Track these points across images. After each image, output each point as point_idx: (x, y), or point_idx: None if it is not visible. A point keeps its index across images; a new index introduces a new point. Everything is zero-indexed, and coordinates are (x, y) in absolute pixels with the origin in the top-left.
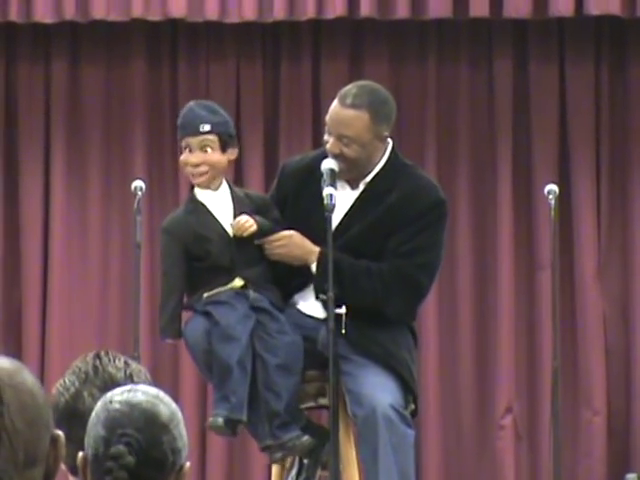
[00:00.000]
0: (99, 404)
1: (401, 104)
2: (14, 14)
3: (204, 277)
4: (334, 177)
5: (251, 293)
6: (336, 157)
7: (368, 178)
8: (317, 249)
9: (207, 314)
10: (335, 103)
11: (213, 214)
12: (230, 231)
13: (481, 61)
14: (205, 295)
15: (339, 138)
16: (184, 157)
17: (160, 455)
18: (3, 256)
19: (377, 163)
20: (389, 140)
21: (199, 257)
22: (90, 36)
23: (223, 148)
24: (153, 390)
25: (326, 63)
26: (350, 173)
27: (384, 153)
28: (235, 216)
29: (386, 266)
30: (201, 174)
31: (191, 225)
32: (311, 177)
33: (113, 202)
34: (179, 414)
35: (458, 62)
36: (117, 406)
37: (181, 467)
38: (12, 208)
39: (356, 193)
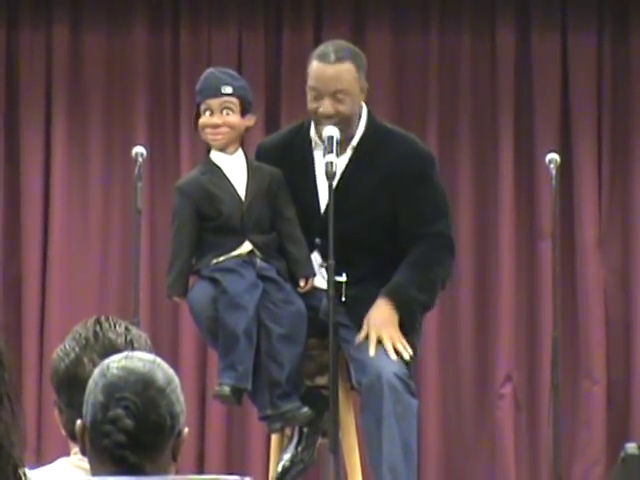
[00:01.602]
0: (96, 371)
1: (403, 74)
2: None
3: (214, 239)
4: (335, 144)
5: (258, 261)
6: (330, 118)
7: (354, 142)
8: (386, 302)
9: (213, 280)
10: (317, 65)
11: (227, 176)
12: (242, 195)
13: (483, 31)
14: (213, 262)
15: (333, 96)
16: (204, 120)
17: (158, 419)
18: (3, 223)
19: (358, 124)
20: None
21: (210, 217)
22: (92, 3)
23: (242, 113)
24: (150, 356)
25: (328, 32)
26: (344, 133)
27: (362, 114)
28: (249, 182)
29: (421, 249)
30: (219, 134)
31: (204, 184)
32: (290, 150)
33: (114, 168)
34: (176, 380)
35: (460, 33)
36: (114, 372)
37: (179, 432)
38: (12, 175)
39: (344, 159)
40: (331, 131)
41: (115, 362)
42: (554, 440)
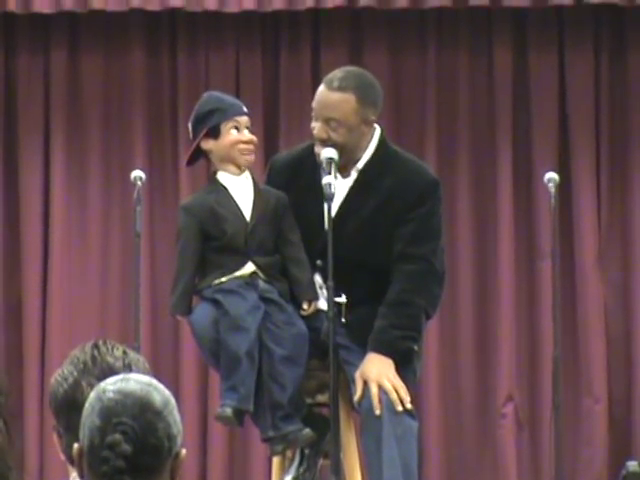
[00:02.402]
0: (92, 394)
1: (401, 93)
2: (13, 4)
3: (217, 258)
4: (333, 166)
5: (260, 283)
6: (323, 142)
7: (360, 165)
8: (374, 353)
9: (215, 302)
10: (321, 87)
11: (233, 197)
12: (247, 216)
13: (481, 50)
14: (215, 282)
15: (326, 122)
16: (238, 136)
17: (156, 442)
18: (3, 246)
19: (366, 149)
20: (377, 126)
21: (214, 236)
22: (89, 26)
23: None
24: (146, 378)
25: (325, 53)
26: (342, 158)
27: (372, 139)
28: (255, 203)
29: (402, 282)
30: (251, 152)
31: (209, 203)
32: (300, 170)
33: (113, 192)
34: (173, 400)
35: (458, 51)
36: (111, 395)
37: (177, 454)
38: (12, 198)
39: (349, 182)
40: (329, 153)
41: (111, 385)
42: (556, 458)
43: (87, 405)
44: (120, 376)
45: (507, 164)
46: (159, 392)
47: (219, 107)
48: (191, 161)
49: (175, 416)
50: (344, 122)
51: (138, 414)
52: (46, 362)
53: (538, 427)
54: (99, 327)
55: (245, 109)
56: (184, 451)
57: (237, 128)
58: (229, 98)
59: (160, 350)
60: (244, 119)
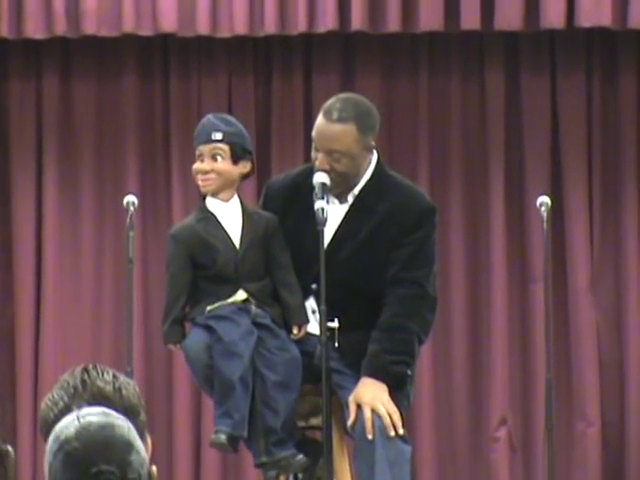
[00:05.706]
0: (52, 443)
1: (393, 117)
2: (5, 30)
3: (208, 287)
4: (326, 191)
5: (253, 308)
6: (326, 172)
7: (356, 190)
8: (367, 378)
9: (208, 328)
10: (320, 119)
11: (222, 224)
12: (237, 243)
13: (473, 74)
14: (207, 309)
15: (329, 154)
16: (195, 166)
17: (135, 475)
18: None
19: (364, 174)
20: (374, 151)
21: (204, 265)
22: (81, 52)
23: (235, 160)
24: (97, 409)
25: (318, 77)
26: (340, 187)
27: (370, 163)
28: (244, 229)
29: (395, 306)
30: (208, 180)
31: (198, 232)
32: (297, 194)
33: (106, 217)
34: (130, 424)
35: (450, 75)
36: (75, 444)
37: (149, 472)
38: (4, 223)
39: (345, 207)
40: (321, 177)
41: (71, 431)
42: None
43: (50, 455)
44: (72, 417)
45: (499, 187)
46: (118, 424)
47: (195, 134)
48: None
49: (138, 440)
50: (347, 153)
51: (112, 456)
52: (39, 387)
53: (531, 451)
54: (92, 352)
55: (214, 135)
56: (154, 468)
57: (202, 156)
58: (207, 123)
59: (153, 375)
60: (207, 147)
